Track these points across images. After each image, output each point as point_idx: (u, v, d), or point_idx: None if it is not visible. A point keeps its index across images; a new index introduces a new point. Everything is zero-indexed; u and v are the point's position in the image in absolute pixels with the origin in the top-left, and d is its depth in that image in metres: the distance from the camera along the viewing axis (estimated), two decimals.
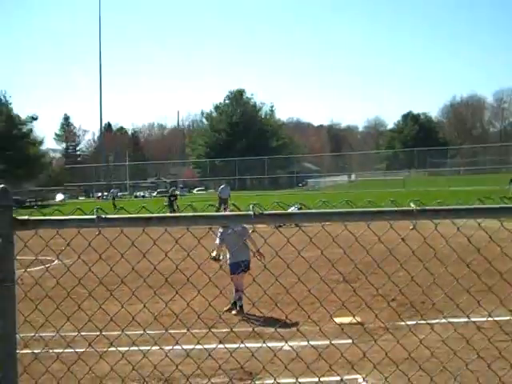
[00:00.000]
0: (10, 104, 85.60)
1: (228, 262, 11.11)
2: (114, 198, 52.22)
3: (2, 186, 2.56)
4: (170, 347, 6.22)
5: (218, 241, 11.16)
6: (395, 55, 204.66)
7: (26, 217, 2.65)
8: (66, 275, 3.85)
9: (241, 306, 11.00)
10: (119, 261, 3.35)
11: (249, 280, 10.16)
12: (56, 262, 15.11)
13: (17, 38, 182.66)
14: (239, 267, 10.53)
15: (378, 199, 3.13)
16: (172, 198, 38.98)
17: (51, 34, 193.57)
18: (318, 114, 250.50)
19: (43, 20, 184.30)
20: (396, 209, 2.80)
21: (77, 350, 5.65)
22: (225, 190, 37.78)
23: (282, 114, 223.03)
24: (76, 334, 4.68)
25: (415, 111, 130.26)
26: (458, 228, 3.18)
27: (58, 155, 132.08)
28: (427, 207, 2.75)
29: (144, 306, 3.72)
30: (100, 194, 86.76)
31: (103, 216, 2.69)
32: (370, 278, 11.08)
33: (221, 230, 10.89)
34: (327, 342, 4.67)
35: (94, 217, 2.70)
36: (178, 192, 45.52)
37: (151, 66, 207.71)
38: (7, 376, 2.54)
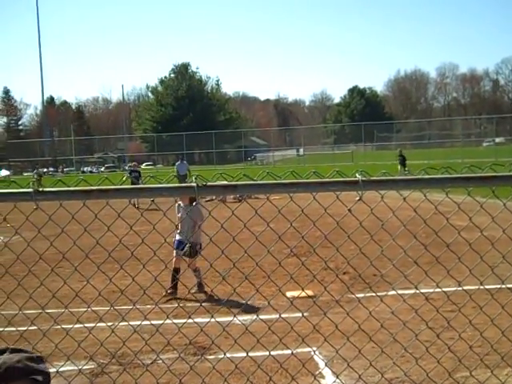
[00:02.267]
0: None
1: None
2: (40, 176, 38.54)
3: None
4: (116, 323, 6.09)
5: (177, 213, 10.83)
6: (340, 29, 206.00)
7: None
8: (8, 252, 3.68)
9: (199, 284, 10.41)
10: (59, 237, 3.19)
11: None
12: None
13: None
14: (179, 246, 10.19)
15: (327, 172, 3.06)
16: (134, 175, 27.55)
17: None
18: (264, 89, 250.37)
19: None
20: (341, 179, 2.75)
21: (19, 329, 5.46)
22: (181, 166, 32.92)
23: (228, 88, 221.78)
24: (17, 312, 4.51)
25: (361, 85, 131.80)
26: (404, 199, 3.15)
27: None
28: (372, 177, 2.71)
29: (87, 282, 3.57)
30: (46, 170, 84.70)
31: (40, 189, 2.53)
32: (322, 251, 11.19)
33: (180, 203, 10.54)
34: (278, 316, 4.61)
35: (31, 190, 2.53)
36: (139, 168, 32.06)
37: (93, 38, 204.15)
38: None
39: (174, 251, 10.35)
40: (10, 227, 3.96)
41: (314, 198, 2.86)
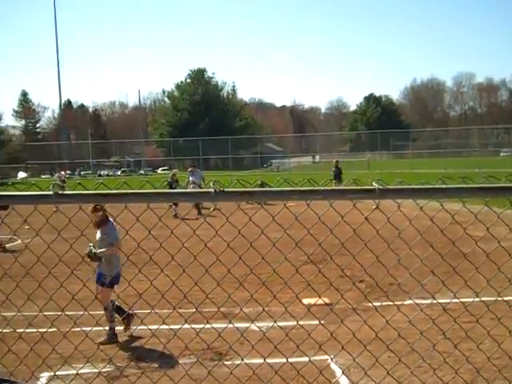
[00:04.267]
0: None
1: None
2: (63, 182, 35.09)
3: None
4: (135, 327, 6.12)
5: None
6: (357, 36, 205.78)
7: None
8: (29, 254, 3.72)
9: (111, 332, 7.65)
10: (78, 239, 3.22)
11: (212, 259, 10.03)
12: (19, 241, 14.84)
13: None
14: (98, 278, 7.46)
15: (344, 180, 3.07)
16: (174, 186, 25.13)
17: (8, 8, 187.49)
18: (280, 95, 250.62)
19: None
20: (359, 188, 2.77)
21: (39, 330, 5.50)
22: (193, 174, 29.84)
23: (244, 95, 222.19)
24: (37, 313, 4.55)
25: (377, 93, 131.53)
26: (420, 208, 3.16)
27: (17, 132, 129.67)
28: (390, 186, 2.73)
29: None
30: (63, 173, 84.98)
31: (60, 192, 2.57)
32: (339, 259, 11.16)
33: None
34: (295, 323, 4.62)
35: (51, 193, 2.57)
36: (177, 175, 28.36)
37: (111, 42, 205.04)
38: None
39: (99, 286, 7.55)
40: (30, 229, 4.00)
41: (330, 205, 2.87)
